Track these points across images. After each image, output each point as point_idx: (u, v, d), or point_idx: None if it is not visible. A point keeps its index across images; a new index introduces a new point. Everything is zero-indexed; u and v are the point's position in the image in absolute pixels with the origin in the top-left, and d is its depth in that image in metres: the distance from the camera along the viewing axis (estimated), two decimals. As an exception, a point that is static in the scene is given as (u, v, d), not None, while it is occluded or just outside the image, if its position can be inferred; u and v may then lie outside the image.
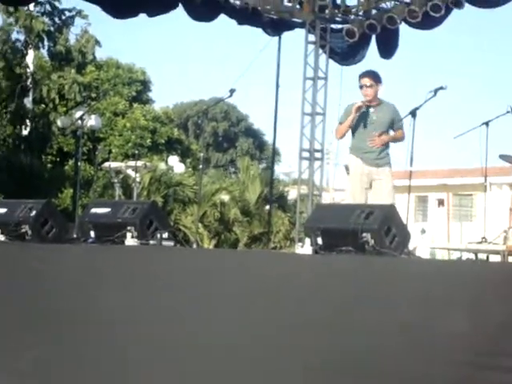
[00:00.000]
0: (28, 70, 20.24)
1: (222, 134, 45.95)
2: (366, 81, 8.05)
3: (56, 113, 20.91)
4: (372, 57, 12.05)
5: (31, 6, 19.36)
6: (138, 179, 15.99)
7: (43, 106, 20.64)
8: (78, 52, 20.46)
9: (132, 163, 14.67)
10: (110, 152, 23.84)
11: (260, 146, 45.96)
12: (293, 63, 13.91)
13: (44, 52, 20.79)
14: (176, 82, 79.43)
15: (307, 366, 4.84)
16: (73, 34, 20.45)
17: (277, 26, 12.56)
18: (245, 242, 22.91)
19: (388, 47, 11.95)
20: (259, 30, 12.50)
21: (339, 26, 12.43)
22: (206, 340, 5.29)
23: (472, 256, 9.19)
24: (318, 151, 12.52)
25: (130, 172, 14.87)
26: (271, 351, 4.97)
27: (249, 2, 11.90)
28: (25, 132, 20.20)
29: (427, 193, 33.65)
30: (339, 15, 12.41)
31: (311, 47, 12.44)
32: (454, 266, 5.37)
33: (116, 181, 13.77)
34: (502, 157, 8.99)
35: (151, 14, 11.90)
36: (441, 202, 34.36)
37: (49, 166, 22.24)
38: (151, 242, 6.53)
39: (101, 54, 26.03)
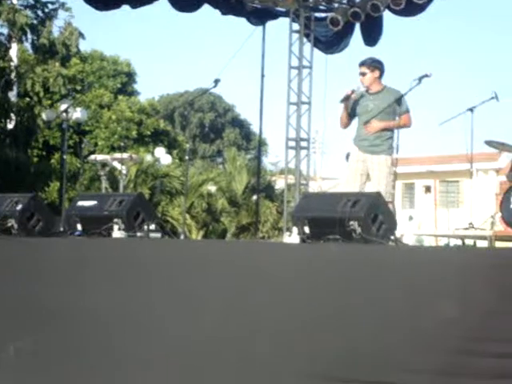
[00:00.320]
0: (12, 64, 20.11)
1: (208, 124, 45.87)
2: (362, 69, 8.04)
3: (41, 106, 20.80)
4: (356, 45, 12.05)
5: (14, 0, 19.23)
6: (124, 171, 15.91)
7: (28, 99, 20.53)
8: (61, 45, 20.32)
9: (118, 155, 14.57)
10: (96, 145, 23.78)
11: (247, 136, 45.92)
12: (277, 52, 13.91)
13: (27, 45, 20.65)
14: (161, 74, 79.24)
15: (300, 355, 4.85)
16: (56, 27, 20.31)
17: (260, 16, 12.52)
18: (233, 232, 22.93)
19: (372, 35, 11.95)
20: (243, 20, 12.46)
21: (323, 15, 12.41)
22: (194, 331, 5.29)
23: (459, 242, 9.22)
24: (304, 140, 12.51)
25: (116, 164, 14.78)
26: (263, 339, 4.98)
27: (232, -9, 11.86)
28: (10, 126, 20.09)
29: (414, 180, 33.73)
30: (323, 4, 12.39)
31: (295, 36, 12.41)
32: (441, 253, 5.37)
33: (102, 173, 13.67)
34: (488, 142, 9.00)
35: (134, 6, 11.84)
36: (427, 189, 34.46)
37: (35, 159, 22.15)
38: (138, 233, 6.50)
39: (85, 47, 25.92)
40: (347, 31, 12.02)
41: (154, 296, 5.59)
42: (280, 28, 12.77)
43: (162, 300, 5.54)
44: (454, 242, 11.34)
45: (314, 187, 22.91)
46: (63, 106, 16.89)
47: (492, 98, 8.44)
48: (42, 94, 20.60)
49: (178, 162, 24.11)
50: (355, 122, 8.17)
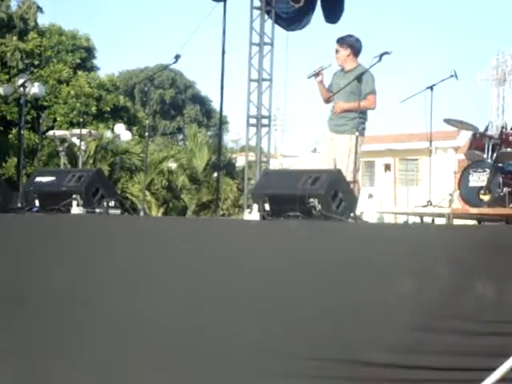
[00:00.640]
0: (-32, 38, 19.75)
1: (169, 101, 45.57)
2: (336, 46, 7.97)
3: (-2, 81, 20.47)
4: (318, 22, 12.01)
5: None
6: (83, 147, 15.78)
7: (-16, 73, 20.18)
8: (19, 19, 20.03)
9: (77, 131, 14.45)
10: (54, 120, 23.47)
11: (207, 113, 45.72)
12: (238, 29, 13.81)
13: (-16, 19, 20.30)
14: (121, 49, 78.44)
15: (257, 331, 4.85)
16: (14, 1, 20.01)
17: (222, -9, 12.42)
18: (193, 210, 22.86)
19: (333, 12, 11.91)
20: (204, -5, 12.34)
21: (285, -9, 12.35)
22: (151, 308, 5.27)
23: (418, 220, 9.29)
24: (265, 117, 12.48)
25: (75, 140, 14.66)
26: (221, 316, 4.98)
27: (193, -34, 11.74)
28: (-34, 100, 19.77)
29: (374, 158, 33.93)
30: (284, -20, 12.32)
31: (257, 13, 12.33)
32: (399, 230, 5.41)
33: (61, 149, 13.55)
34: (447, 121, 9.04)
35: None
36: (387, 167, 34.71)
37: (-8, 134, 21.83)
38: (97, 210, 6.44)
39: (43, 21, 25.53)
40: (308, 8, 11.98)
41: (112, 273, 5.55)
42: (241, 4, 12.69)
43: (120, 277, 5.50)
44: (412, 219, 11.43)
45: (274, 165, 22.93)
46: (21, 81, 16.62)
47: (451, 76, 8.47)
48: (-1, 69, 20.26)
49: (138, 139, 23.91)
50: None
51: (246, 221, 5.86)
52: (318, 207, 5.36)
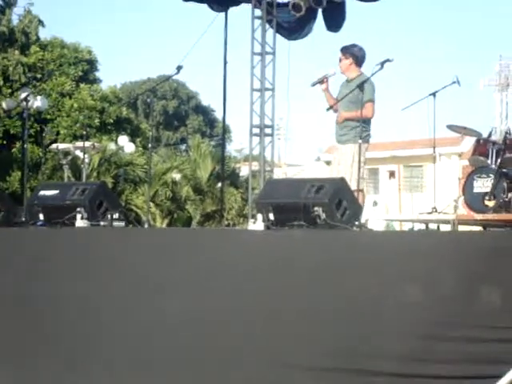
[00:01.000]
0: (-29, 53, 19.81)
1: (172, 112, 45.64)
2: (339, 55, 8.02)
3: (1, 95, 20.51)
4: (320, 31, 12.02)
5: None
6: (86, 160, 15.78)
7: (-13, 88, 20.23)
8: (21, 33, 20.05)
9: (80, 144, 14.45)
10: (57, 133, 23.49)
11: (210, 123, 45.78)
12: (240, 39, 13.83)
13: (-14, 33, 20.35)
14: (123, 61, 78.64)
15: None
16: (15, 15, 20.04)
17: (222, 2, 12.42)
18: (198, 220, 22.85)
19: (335, 20, 11.92)
20: (204, 6, 12.36)
21: (285, 0, 12.35)
22: (159, 319, 5.26)
23: (423, 226, 9.26)
24: (268, 127, 12.47)
25: (79, 153, 14.68)
26: (228, 325, 4.97)
27: (193, -23, 11.76)
28: (-31, 115, 19.81)
29: (378, 165, 33.88)
30: (285, -11, 12.33)
31: (258, 22, 12.35)
32: (406, 237, 5.39)
33: (65, 162, 13.56)
34: (450, 127, 9.03)
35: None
36: (392, 174, 34.65)
37: (-5, 149, 21.86)
38: (102, 222, 6.43)
39: (45, 34, 25.58)
40: (310, 17, 11.98)
41: (118, 285, 5.54)
42: (242, 14, 12.71)
43: (126, 289, 5.50)
44: (418, 226, 11.41)
45: (278, 174, 22.94)
46: (23, 95, 16.65)
47: (454, 82, 8.47)
48: (1, 83, 20.31)
49: (142, 150, 23.92)
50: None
51: (251, 230, 5.84)
52: (323, 216, 5.35)
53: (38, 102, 19.53)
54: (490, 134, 8.74)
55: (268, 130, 12.48)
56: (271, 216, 5.63)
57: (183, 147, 41.73)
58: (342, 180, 5.91)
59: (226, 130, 21.39)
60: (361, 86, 7.30)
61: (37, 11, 20.90)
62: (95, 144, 15.84)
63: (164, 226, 21.68)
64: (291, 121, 50.87)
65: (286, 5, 12.23)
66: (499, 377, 4.02)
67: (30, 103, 16.63)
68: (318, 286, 4.72)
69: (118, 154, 22.71)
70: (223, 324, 5.01)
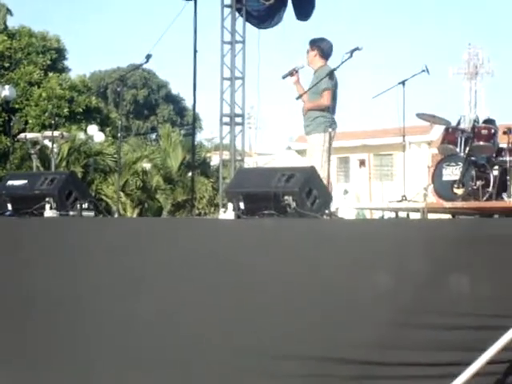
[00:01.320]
0: None
1: (142, 101, 45.42)
2: (307, 48, 8.21)
3: (-32, 84, 20.25)
4: (290, 19, 11.99)
5: None
6: (55, 150, 15.63)
7: (-46, 77, 19.97)
8: (-12, 21, 19.80)
9: (49, 133, 14.31)
10: (26, 123, 23.28)
11: (181, 112, 45.65)
12: (210, 27, 13.77)
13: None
14: (92, 50, 77.99)
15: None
16: (-18, 3, 19.78)
17: (192, -10, 12.37)
18: (168, 210, 22.79)
19: (304, 9, 11.91)
20: (174, -6, 12.29)
21: (255, -12, 12.32)
22: (132, 309, 5.24)
23: (393, 215, 9.32)
24: (238, 116, 12.45)
25: (48, 143, 14.54)
26: (203, 315, 4.96)
27: (163, -35, 11.68)
28: None
29: (348, 154, 34.02)
30: (254, -23, 12.29)
31: (227, 11, 12.31)
32: (376, 225, 5.41)
33: (33, 152, 13.43)
34: (419, 115, 9.08)
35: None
36: (362, 163, 34.81)
37: (-37, 139, 21.60)
38: (71, 212, 6.39)
39: (13, 23, 25.34)
40: (279, 5, 11.96)
41: (86, 275, 5.51)
42: (211, 2, 12.65)
43: (97, 280, 5.46)
44: (388, 214, 11.47)
45: (249, 163, 22.92)
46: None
47: (423, 70, 8.51)
48: (-32, 72, 20.06)
49: (112, 140, 23.78)
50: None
51: (222, 220, 5.83)
52: (293, 205, 5.35)
53: (5, 92, 19.34)
54: (458, 123, 8.80)
55: (238, 119, 12.47)
56: (242, 205, 5.62)
57: (153, 136, 41.56)
58: (312, 169, 5.91)
59: (196, 119, 21.30)
60: (331, 74, 7.48)
61: (4, 0, 20.65)
62: (64, 133, 15.68)
63: (135, 215, 21.60)
64: (262, 110, 51.05)
65: (255, -7, 12.20)
66: (470, 363, 4.05)
67: (-3, 92, 16.50)
68: (289, 275, 4.73)
69: (87, 144, 22.56)
70: (200, 315, 5.00)
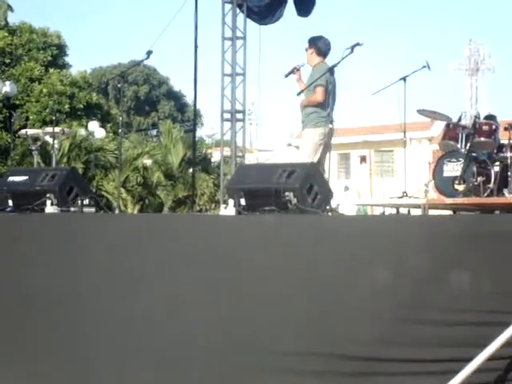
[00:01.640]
0: None
1: (143, 97, 45.38)
2: (306, 46, 8.36)
3: (-32, 81, 20.24)
4: (291, 15, 11.98)
5: None
6: (56, 146, 15.64)
7: (-45, 73, 19.95)
8: (-11, 17, 19.79)
9: (50, 129, 14.31)
10: (27, 119, 23.27)
11: (181, 108, 45.60)
12: (211, 23, 13.75)
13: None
14: (93, 46, 77.97)
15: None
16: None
17: (193, -14, 12.34)
18: (169, 206, 22.78)
19: (305, 5, 11.89)
20: (175, -10, 12.27)
21: (256, -15, 12.29)
22: (132, 305, 5.24)
23: (394, 211, 9.30)
24: (239, 112, 12.45)
25: (49, 139, 14.54)
26: (201, 313, 4.96)
27: (164, -39, 11.67)
28: None
29: (349, 150, 33.99)
30: (255, -27, 12.27)
31: (228, 7, 12.29)
32: (377, 221, 5.41)
33: (34, 148, 13.42)
34: (420, 111, 9.06)
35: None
36: (363, 159, 34.77)
37: (-36, 135, 21.60)
38: (72, 208, 6.39)
39: (13, 19, 25.33)
40: (280, 2, 11.94)
41: (88, 271, 5.51)
42: (213, -2, 12.61)
43: (96, 275, 5.46)
44: (388, 211, 11.46)
45: (250, 159, 22.89)
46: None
47: (424, 66, 8.49)
48: (-31, 68, 20.05)
49: (112, 136, 23.76)
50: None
51: (222, 216, 5.83)
52: (294, 201, 5.35)
53: (6, 88, 19.33)
54: (459, 119, 8.78)
55: (239, 115, 12.46)
56: (242, 201, 5.62)
57: (154, 133, 41.55)
58: (313, 165, 5.92)
59: (197, 115, 21.32)
60: (331, 70, 7.62)
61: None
62: (65, 129, 15.69)
63: (135, 211, 21.60)
64: (262, 106, 50.95)
65: (256, -11, 12.18)
66: (470, 360, 4.05)
67: (-2, 88, 16.50)
68: (290, 270, 4.73)
69: (88, 140, 22.55)
70: (196, 311, 5.00)
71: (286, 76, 8.34)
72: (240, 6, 12.22)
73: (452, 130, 8.56)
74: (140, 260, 5.32)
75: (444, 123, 8.89)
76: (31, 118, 23.31)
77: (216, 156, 23.57)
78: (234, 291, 4.87)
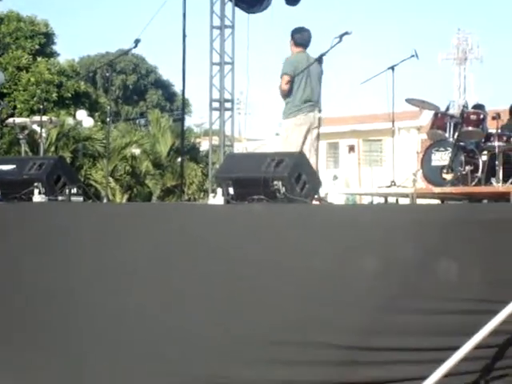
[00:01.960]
0: None
1: (131, 86, 45.21)
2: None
3: (-44, 69, 20.11)
4: (279, 4, 11.95)
5: None
6: (44, 135, 15.57)
7: None
8: (-25, 5, 19.64)
9: (37, 118, 14.23)
10: (14, 107, 23.15)
11: (170, 97, 45.45)
12: (199, 12, 13.70)
13: None
14: (81, 35, 77.60)
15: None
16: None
17: (181, -26, 12.29)
18: (158, 195, 22.75)
19: (294, -7, 11.87)
20: (163, -21, 12.20)
21: (244, -27, 12.26)
22: (118, 296, 5.23)
23: (382, 200, 9.33)
24: (228, 101, 12.43)
25: (36, 127, 14.47)
26: (191, 303, 4.95)
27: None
28: None
29: (338, 139, 34.01)
30: (243, -39, 12.22)
31: (217, -5, 12.25)
32: (365, 210, 5.41)
33: (21, 137, 13.34)
34: (408, 100, 9.07)
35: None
36: (351, 148, 34.81)
37: (-50, 124, 21.45)
38: (60, 197, 6.37)
39: (1, 8, 25.16)
40: (269, -10, 11.92)
41: (75, 260, 5.50)
42: (201, -13, 12.56)
43: (84, 264, 5.45)
44: (377, 200, 11.49)
45: (239, 148, 22.87)
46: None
47: (412, 56, 8.50)
48: (-44, 57, 19.90)
49: (101, 125, 23.68)
50: None
51: (211, 205, 5.82)
52: (282, 190, 5.35)
53: (-5, 76, 19.20)
54: (447, 108, 8.80)
55: (228, 105, 12.43)
56: (231, 190, 5.62)
57: (143, 122, 41.41)
58: (302, 154, 5.92)
59: (185, 104, 21.26)
60: (320, 58, 7.62)
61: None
62: (52, 118, 15.59)
63: (124, 201, 21.56)
64: (251, 95, 50.92)
65: (244, -22, 12.14)
66: (457, 348, 4.06)
67: (-15, 77, 16.39)
68: (278, 260, 4.73)
69: (76, 129, 22.46)
70: (182, 303, 5.00)
71: None
72: (228, -5, 12.17)
73: (440, 120, 8.58)
74: (129, 249, 5.31)
75: (432, 112, 8.91)
76: (19, 106, 23.19)
77: (204, 145, 23.54)
78: (224, 282, 4.87)
